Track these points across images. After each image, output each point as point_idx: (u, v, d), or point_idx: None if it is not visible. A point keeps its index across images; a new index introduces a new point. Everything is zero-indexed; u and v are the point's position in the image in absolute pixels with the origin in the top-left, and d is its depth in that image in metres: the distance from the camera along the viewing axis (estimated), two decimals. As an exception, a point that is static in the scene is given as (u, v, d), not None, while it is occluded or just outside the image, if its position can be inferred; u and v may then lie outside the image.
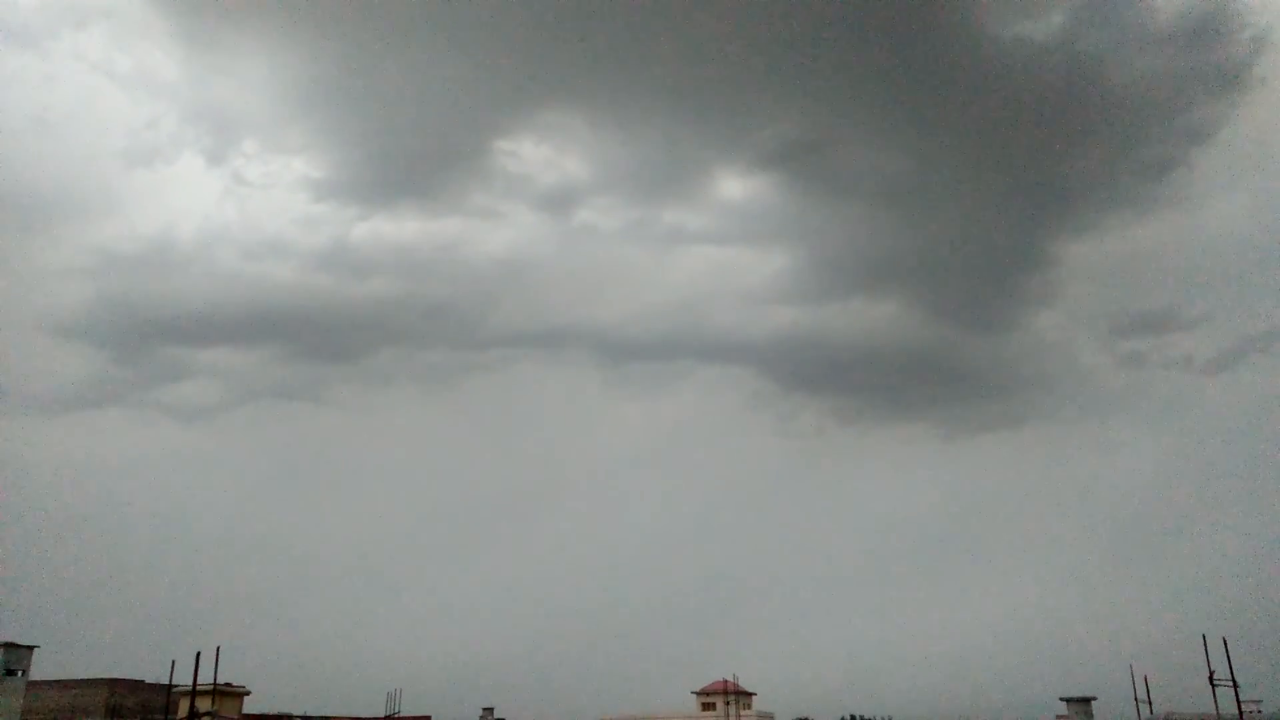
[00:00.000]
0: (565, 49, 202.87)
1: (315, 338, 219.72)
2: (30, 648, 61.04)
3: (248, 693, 60.72)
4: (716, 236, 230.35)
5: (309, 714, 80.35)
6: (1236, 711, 46.29)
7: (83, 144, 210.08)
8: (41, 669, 62.94)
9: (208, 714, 47.99)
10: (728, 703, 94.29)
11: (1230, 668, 44.46)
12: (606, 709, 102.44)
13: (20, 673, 60.24)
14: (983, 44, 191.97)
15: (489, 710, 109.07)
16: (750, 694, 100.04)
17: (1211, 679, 45.28)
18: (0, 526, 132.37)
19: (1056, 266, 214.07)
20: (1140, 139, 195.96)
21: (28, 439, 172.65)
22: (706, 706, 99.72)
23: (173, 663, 44.69)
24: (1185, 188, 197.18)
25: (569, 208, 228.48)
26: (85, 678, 67.64)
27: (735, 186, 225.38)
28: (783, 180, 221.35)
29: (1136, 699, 58.41)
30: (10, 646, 60.40)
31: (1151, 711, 59.98)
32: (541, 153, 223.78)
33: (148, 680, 67.01)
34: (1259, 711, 67.83)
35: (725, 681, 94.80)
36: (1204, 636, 45.37)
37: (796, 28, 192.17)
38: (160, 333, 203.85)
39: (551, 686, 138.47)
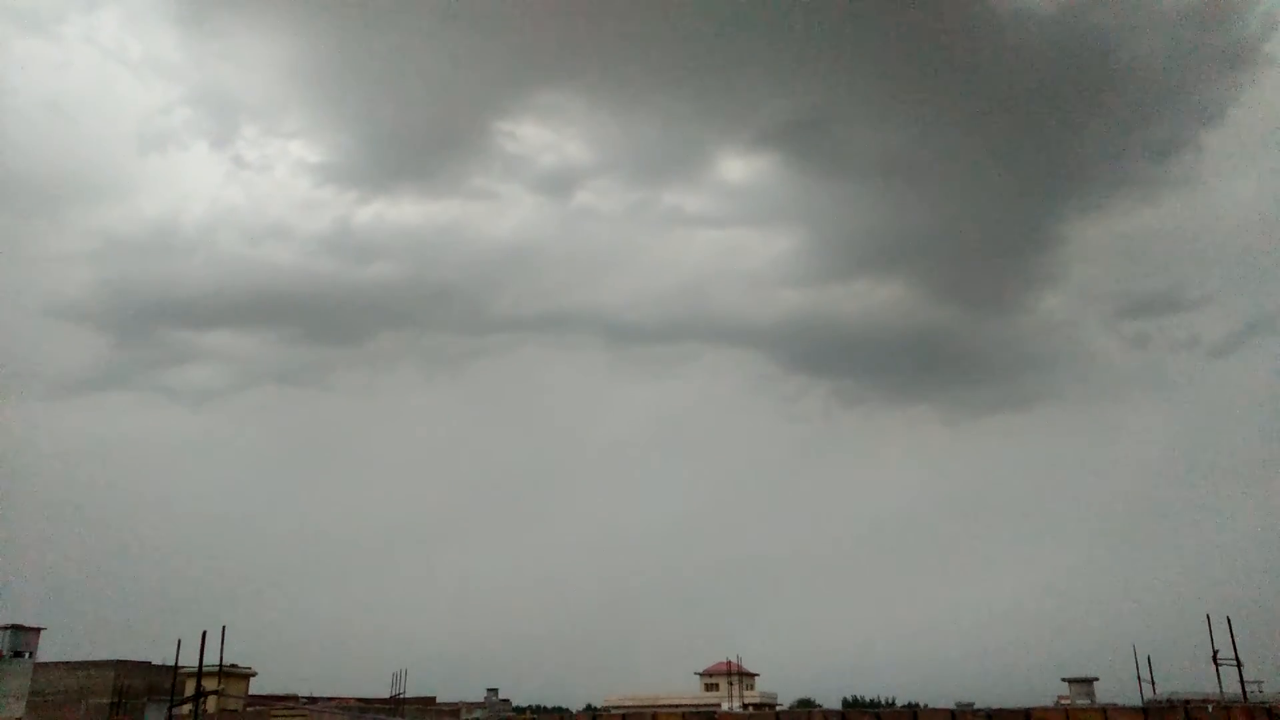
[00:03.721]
0: (563, 29, 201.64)
1: (318, 321, 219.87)
2: (37, 630, 61.46)
3: (254, 673, 61.11)
4: (718, 218, 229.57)
5: (315, 694, 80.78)
6: (1240, 691, 46.35)
7: (94, 129, 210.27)
8: (48, 651, 63.38)
9: (214, 694, 48.20)
10: (731, 684, 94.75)
11: (1234, 647, 44.50)
12: (611, 690, 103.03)
13: (27, 654, 60.68)
14: (987, 18, 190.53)
15: (493, 691, 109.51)
16: (753, 675, 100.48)
17: (1215, 659, 45.33)
18: (5, 509, 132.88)
19: (1063, 247, 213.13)
20: (1148, 118, 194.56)
21: (32, 423, 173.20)
22: (710, 687, 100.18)
23: (178, 642, 44.78)
24: (1193, 168, 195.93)
25: (569, 190, 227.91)
26: (92, 659, 67.93)
27: (736, 166, 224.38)
28: (784, 159, 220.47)
29: (1139, 679, 58.53)
30: (17, 629, 60.80)
31: (1155, 692, 60.07)
32: (540, 134, 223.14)
33: (154, 662, 67.36)
34: (1262, 691, 67.89)
35: (728, 663, 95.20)
36: (1208, 616, 45.40)
37: (795, 2, 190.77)
38: (163, 316, 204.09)
39: (556, 668, 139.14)
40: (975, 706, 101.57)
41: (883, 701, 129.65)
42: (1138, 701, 63.12)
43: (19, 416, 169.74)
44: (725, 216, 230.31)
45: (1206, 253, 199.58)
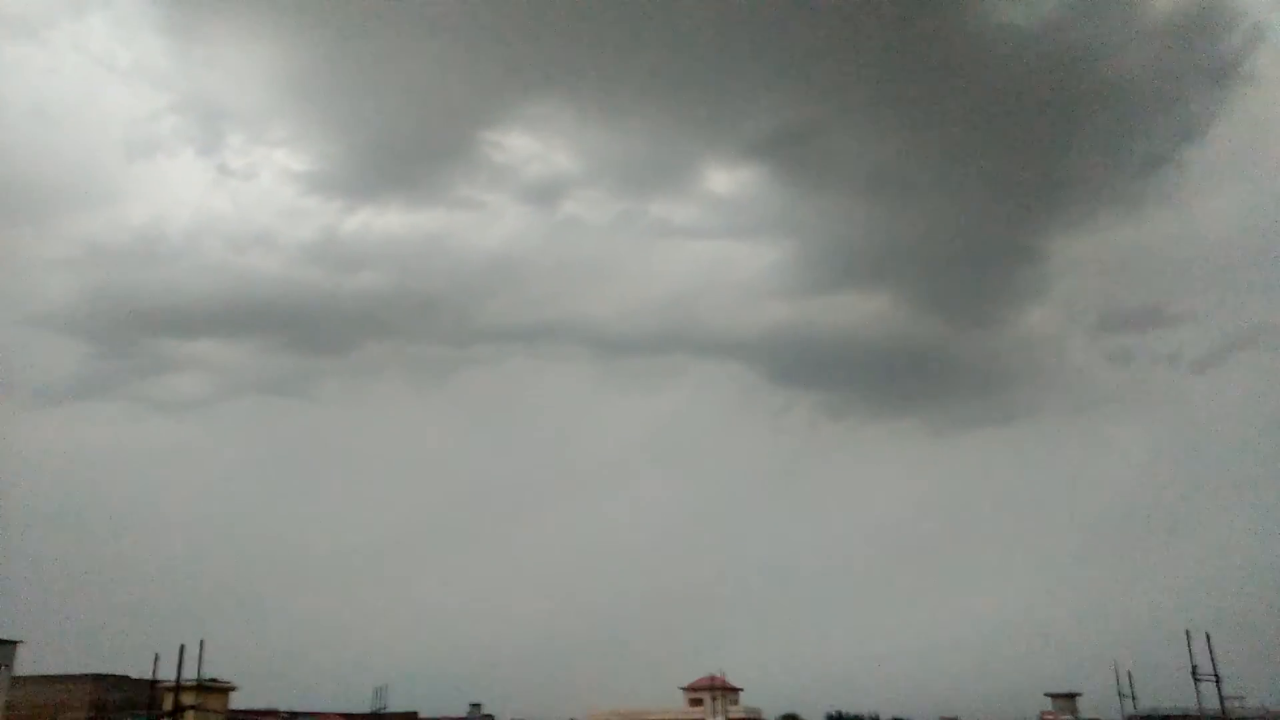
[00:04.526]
0: (551, 39, 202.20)
1: (303, 331, 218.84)
2: (14, 643, 60.58)
3: (234, 688, 60.56)
4: (705, 230, 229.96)
5: (295, 709, 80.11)
6: (1219, 706, 46.62)
7: (81, 135, 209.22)
8: (25, 664, 62.50)
9: (192, 708, 47.79)
10: (715, 698, 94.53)
11: (1213, 663, 44.82)
12: (595, 704, 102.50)
13: (4, 668, 59.84)
14: (974, 33, 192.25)
15: (476, 706, 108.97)
16: (737, 689, 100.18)
17: (1194, 674, 45.60)
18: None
19: (1046, 261, 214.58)
20: (1131, 134, 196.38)
21: (12, 432, 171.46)
22: (694, 702, 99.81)
23: (156, 657, 44.49)
24: (1176, 184, 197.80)
25: (556, 200, 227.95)
26: (70, 673, 67.21)
27: (723, 178, 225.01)
28: (771, 171, 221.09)
29: (1120, 694, 58.85)
30: (-7, 641, 59.96)
31: (1135, 706, 60.38)
32: (528, 144, 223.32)
33: (133, 675, 66.66)
34: (1241, 706, 68.29)
35: (713, 677, 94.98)
36: (1187, 632, 45.70)
37: (782, 15, 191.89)
38: (147, 325, 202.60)
39: (539, 682, 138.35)
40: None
41: (867, 716, 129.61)
42: (1119, 716, 63.40)
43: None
44: (712, 228, 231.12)
45: (1189, 268, 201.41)
